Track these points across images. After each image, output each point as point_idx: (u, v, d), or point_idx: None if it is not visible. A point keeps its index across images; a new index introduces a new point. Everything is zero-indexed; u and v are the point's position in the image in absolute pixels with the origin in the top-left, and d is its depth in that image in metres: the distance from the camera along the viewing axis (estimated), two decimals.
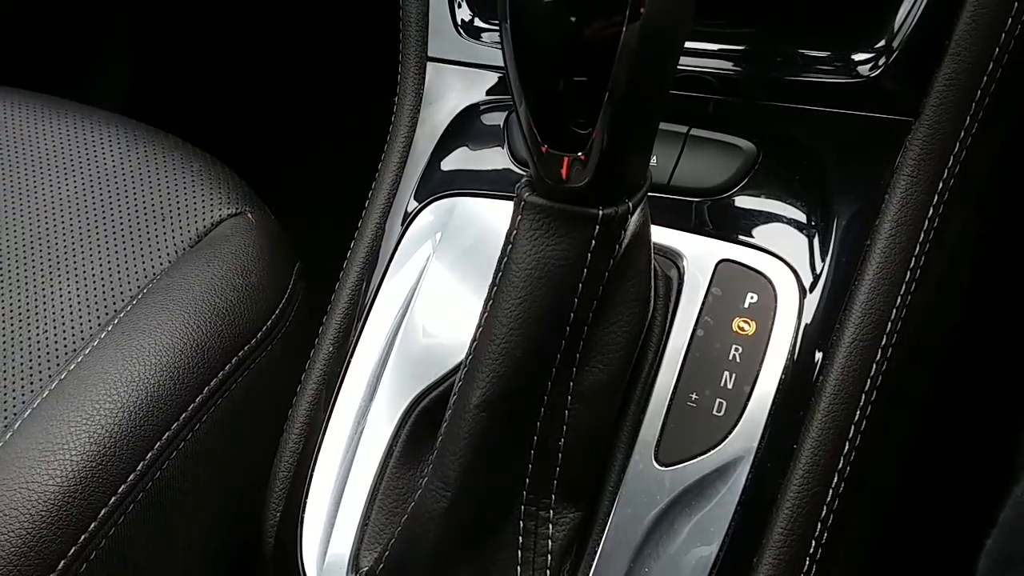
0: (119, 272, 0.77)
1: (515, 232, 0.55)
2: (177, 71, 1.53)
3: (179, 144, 0.87)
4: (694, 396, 0.61)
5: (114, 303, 0.75)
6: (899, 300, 0.62)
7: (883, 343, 0.62)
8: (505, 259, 0.56)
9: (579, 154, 0.51)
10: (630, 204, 0.54)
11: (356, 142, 0.98)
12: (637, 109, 0.51)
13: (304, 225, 0.95)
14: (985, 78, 0.63)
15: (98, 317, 0.74)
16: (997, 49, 0.63)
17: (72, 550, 0.61)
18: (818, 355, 0.61)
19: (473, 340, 0.58)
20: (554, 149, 0.52)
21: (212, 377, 0.70)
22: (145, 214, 0.80)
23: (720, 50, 0.67)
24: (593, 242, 0.54)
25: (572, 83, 0.51)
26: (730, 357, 0.61)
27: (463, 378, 0.58)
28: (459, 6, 0.77)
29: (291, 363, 0.76)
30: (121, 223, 0.80)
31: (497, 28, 0.71)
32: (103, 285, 0.76)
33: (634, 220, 0.55)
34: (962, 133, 0.63)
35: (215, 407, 0.70)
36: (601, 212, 0.53)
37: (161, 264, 0.77)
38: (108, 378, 0.68)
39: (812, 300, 0.62)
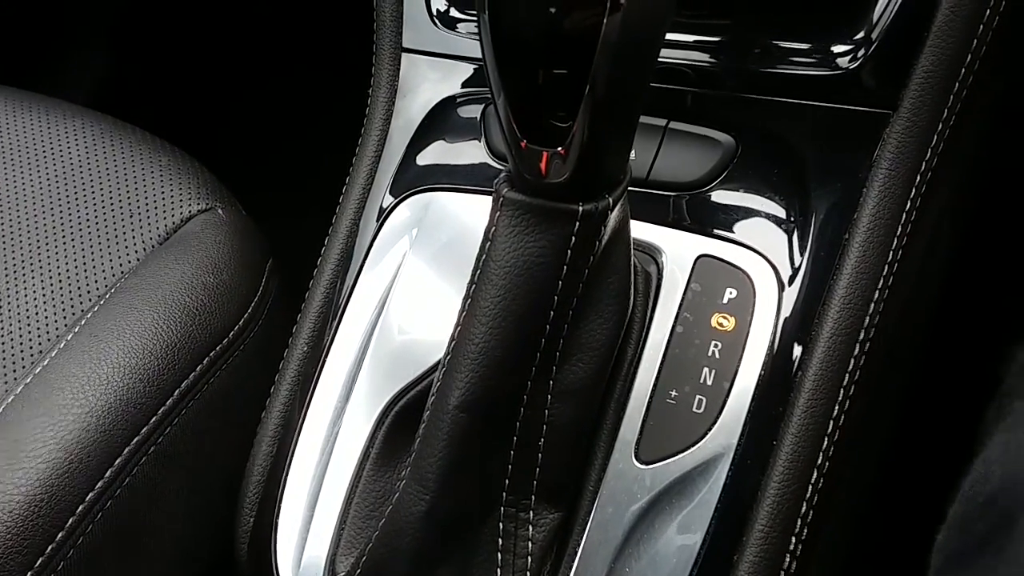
0: (86, 271, 0.75)
1: (494, 228, 0.55)
2: (148, 65, 1.50)
3: (147, 138, 0.85)
4: (674, 393, 0.60)
5: (81, 303, 0.73)
6: (877, 294, 0.62)
7: (861, 337, 0.62)
8: (484, 256, 0.55)
9: (559, 148, 0.51)
10: (610, 199, 0.54)
11: (330, 136, 0.97)
12: (617, 103, 0.51)
13: (277, 221, 0.93)
14: (963, 70, 0.63)
15: (64, 318, 0.72)
16: (975, 41, 0.63)
17: (38, 562, 0.60)
18: (797, 349, 0.61)
19: (451, 339, 0.57)
20: (533, 143, 0.51)
21: (183, 379, 0.69)
22: (112, 210, 0.78)
23: (698, 42, 0.67)
24: (573, 238, 0.53)
25: (551, 76, 0.50)
26: (709, 353, 0.61)
27: (441, 378, 0.57)
28: None
29: (264, 363, 0.75)
30: (87, 220, 0.78)
31: (473, 19, 0.70)
32: (70, 284, 0.74)
33: (614, 216, 0.55)
34: (940, 125, 0.63)
35: (187, 410, 0.69)
36: (581, 208, 0.53)
37: (129, 262, 0.76)
38: (75, 381, 0.66)
39: (791, 294, 0.62)
